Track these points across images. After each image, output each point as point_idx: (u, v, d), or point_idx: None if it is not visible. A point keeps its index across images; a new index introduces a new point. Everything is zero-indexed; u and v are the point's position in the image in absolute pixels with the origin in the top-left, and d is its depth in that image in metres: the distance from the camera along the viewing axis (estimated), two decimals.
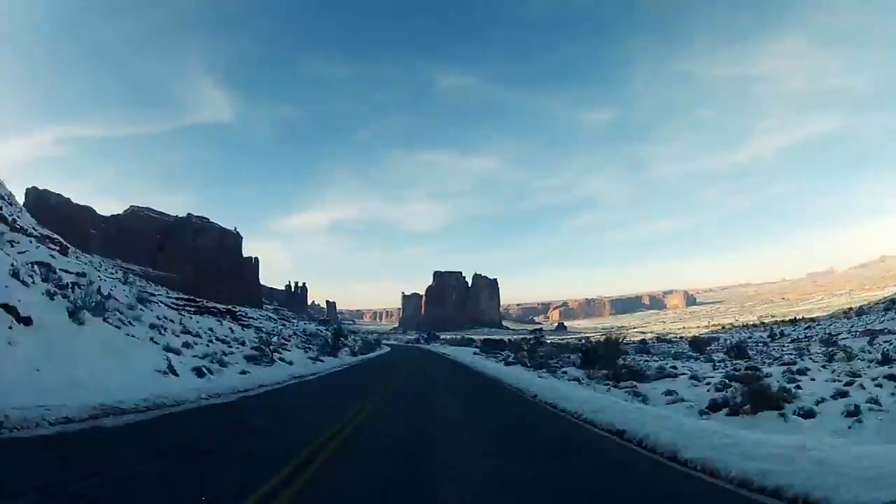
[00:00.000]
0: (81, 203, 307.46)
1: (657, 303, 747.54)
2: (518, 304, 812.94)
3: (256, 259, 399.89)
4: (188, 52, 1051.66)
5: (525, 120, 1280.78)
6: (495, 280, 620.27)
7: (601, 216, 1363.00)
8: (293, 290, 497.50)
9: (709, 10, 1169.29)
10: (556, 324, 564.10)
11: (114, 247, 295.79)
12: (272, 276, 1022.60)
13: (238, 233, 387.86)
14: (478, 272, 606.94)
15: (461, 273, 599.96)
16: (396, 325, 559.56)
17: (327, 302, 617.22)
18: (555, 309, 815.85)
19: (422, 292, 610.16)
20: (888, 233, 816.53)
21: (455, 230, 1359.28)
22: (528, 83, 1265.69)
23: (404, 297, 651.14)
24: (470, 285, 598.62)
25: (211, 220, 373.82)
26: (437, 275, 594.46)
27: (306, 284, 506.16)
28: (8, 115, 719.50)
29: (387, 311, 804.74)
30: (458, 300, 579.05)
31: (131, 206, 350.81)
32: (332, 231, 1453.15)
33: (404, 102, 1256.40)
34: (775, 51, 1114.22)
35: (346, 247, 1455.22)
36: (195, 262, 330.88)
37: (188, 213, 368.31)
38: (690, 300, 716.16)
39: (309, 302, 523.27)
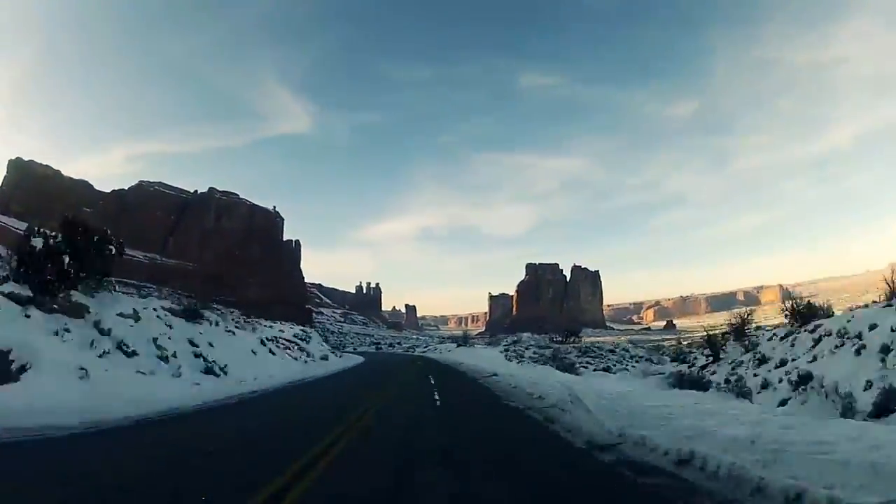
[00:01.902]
0: (77, 177, 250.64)
1: (752, 298, 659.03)
2: (609, 305, 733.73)
3: (297, 243, 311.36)
4: (263, 63, 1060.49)
5: (609, 117, 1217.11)
6: (597, 273, 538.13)
7: (688, 213, 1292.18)
8: (364, 291, 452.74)
9: None
10: (665, 322, 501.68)
11: (113, 229, 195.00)
12: (348, 280, 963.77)
13: (277, 212, 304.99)
14: (577, 264, 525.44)
15: (558, 265, 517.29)
16: (483, 330, 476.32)
17: (406, 306, 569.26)
18: (648, 308, 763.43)
19: (511, 292, 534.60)
20: None
21: (541, 233, 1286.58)
22: (610, 78, 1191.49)
23: (491, 298, 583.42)
24: (569, 279, 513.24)
25: (240, 196, 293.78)
26: (530, 268, 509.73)
27: (380, 286, 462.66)
28: (82, 133, 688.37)
29: (473, 316, 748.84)
30: (555, 297, 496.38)
31: (140, 181, 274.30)
32: (415, 237, 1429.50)
33: (486, 104, 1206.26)
34: (849, 33, 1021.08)
35: (430, 252, 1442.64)
36: (217, 248, 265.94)
37: (210, 188, 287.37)
38: (786, 294, 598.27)
39: (389, 307, 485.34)
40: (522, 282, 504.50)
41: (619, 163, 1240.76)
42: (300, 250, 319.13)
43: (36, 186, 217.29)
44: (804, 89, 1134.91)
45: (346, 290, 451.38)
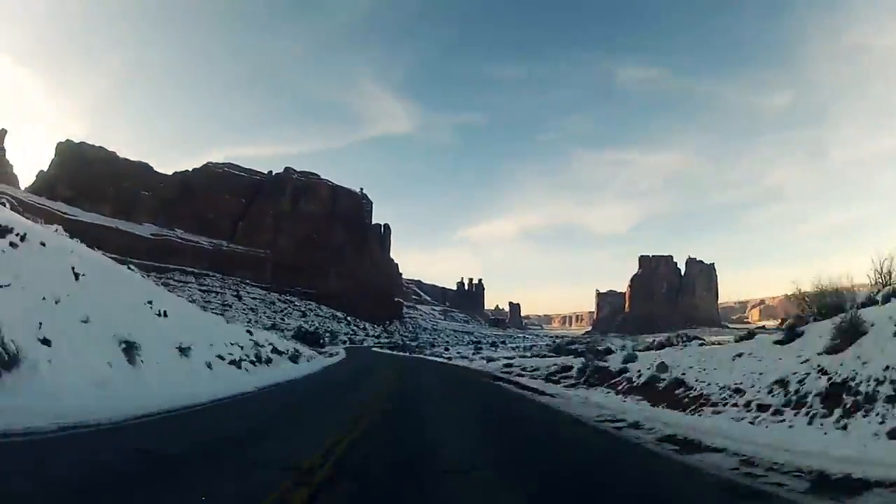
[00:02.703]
0: (135, 159, 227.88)
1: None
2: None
3: (387, 228, 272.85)
4: (361, 65, 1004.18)
5: (706, 110, 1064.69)
6: (712, 266, 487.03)
7: (785, 207, 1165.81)
8: (466, 287, 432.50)
9: None
10: (779, 320, 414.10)
11: (173, 214, 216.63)
12: (449, 279, 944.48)
13: (364, 194, 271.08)
14: (691, 255, 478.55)
15: (671, 257, 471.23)
16: (589, 329, 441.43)
17: (510, 304, 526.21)
18: (753, 308, 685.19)
19: (617, 289, 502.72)
20: None
21: (642, 230, 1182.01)
22: (705, 70, 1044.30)
23: (598, 295, 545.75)
24: (683, 273, 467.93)
25: (321, 177, 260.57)
26: (644, 260, 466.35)
27: (483, 282, 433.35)
28: (183, 140, 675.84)
29: (577, 315, 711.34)
30: (668, 292, 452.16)
31: (207, 163, 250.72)
32: (517, 236, 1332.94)
33: (584, 100, 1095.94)
34: None
35: (532, 251, 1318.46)
36: (293, 234, 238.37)
37: (286, 168, 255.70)
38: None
39: (491, 306, 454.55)
40: (635, 276, 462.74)
41: (718, 157, 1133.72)
42: (390, 236, 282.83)
43: (86, 169, 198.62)
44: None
45: (448, 287, 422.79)
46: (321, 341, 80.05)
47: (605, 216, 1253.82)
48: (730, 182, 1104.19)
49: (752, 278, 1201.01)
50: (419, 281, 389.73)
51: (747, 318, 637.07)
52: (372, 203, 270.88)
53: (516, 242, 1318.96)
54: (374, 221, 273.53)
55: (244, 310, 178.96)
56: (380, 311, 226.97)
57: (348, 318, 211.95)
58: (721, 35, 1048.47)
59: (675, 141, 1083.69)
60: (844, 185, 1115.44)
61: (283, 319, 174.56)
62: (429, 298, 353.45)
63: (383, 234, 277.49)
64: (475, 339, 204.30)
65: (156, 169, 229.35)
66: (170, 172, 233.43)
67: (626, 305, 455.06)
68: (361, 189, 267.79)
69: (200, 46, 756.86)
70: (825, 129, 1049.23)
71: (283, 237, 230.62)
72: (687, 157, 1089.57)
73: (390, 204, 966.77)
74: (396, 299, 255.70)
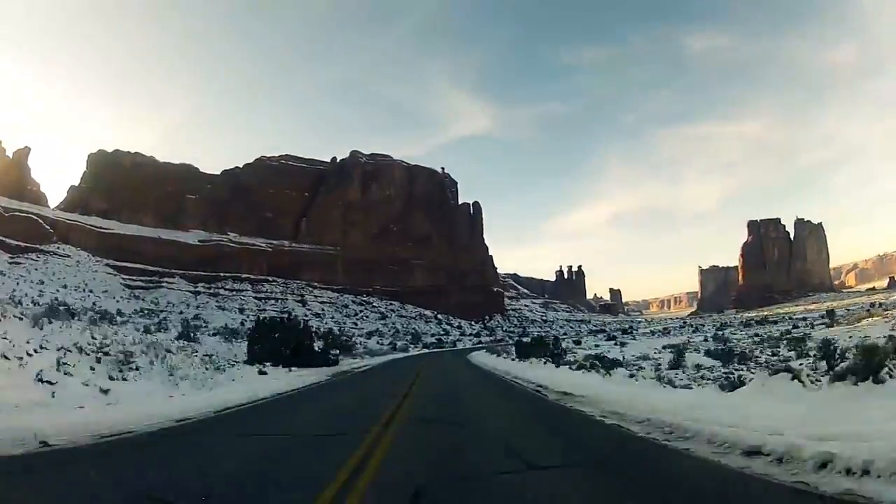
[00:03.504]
0: (177, 161, 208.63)
1: None
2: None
3: (476, 206, 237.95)
4: (434, 69, 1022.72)
5: (778, 72, 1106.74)
6: (821, 226, 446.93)
7: (865, 166, 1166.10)
8: (566, 276, 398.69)
9: None
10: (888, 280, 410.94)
11: (224, 217, 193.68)
12: (545, 273, 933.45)
13: (446, 174, 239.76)
14: (799, 216, 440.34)
15: (779, 220, 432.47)
16: (694, 310, 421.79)
17: (610, 290, 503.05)
18: (848, 273, 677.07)
19: (723, 264, 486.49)
20: None
21: (731, 203, 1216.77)
22: (772, 31, 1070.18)
23: (701, 272, 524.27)
24: (793, 236, 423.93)
25: (393, 158, 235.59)
26: (752, 226, 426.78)
27: (582, 268, 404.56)
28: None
29: (675, 298, 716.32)
30: (780, 258, 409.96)
31: (260, 157, 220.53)
32: (608, 222, 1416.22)
33: (660, 76, 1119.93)
34: None
35: (624, 236, 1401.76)
36: (366, 226, 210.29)
37: (353, 152, 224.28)
38: None
39: (590, 295, 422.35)
40: (745, 244, 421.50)
41: (794, 119, 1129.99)
42: (481, 216, 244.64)
43: (123, 178, 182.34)
44: None
45: (546, 279, 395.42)
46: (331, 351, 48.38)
47: (692, 193, 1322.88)
48: (809, 144, 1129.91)
49: (840, 242, 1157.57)
50: (515, 275, 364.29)
51: (844, 282, 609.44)
52: (456, 183, 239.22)
53: (606, 228, 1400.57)
54: (460, 202, 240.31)
55: (306, 316, 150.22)
56: (476, 304, 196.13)
57: (439, 315, 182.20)
58: None
59: (752, 108, 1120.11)
60: None
61: (357, 324, 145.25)
62: (527, 292, 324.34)
63: (473, 214, 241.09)
64: (596, 329, 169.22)
65: (201, 170, 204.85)
66: (217, 172, 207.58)
67: (740, 277, 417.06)
68: (443, 168, 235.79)
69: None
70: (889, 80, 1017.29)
71: (355, 231, 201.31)
72: (764, 123, 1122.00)
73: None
74: (496, 289, 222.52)
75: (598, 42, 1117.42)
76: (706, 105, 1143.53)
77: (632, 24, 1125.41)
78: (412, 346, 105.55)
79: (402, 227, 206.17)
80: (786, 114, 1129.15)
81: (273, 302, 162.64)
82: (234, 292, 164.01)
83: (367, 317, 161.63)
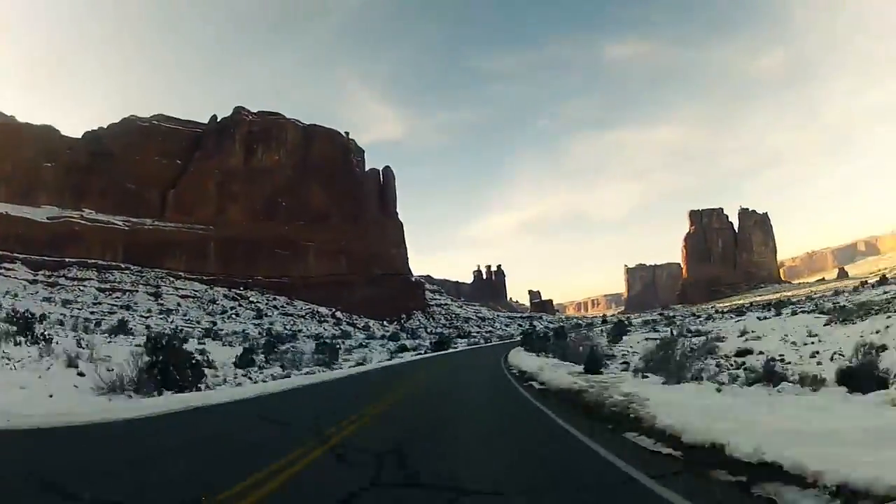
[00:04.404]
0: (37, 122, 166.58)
1: (872, 248, 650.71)
2: None
3: (388, 172, 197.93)
4: (347, 72, 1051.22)
5: (700, 79, 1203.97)
6: (766, 215, 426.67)
7: (789, 169, 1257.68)
8: (484, 276, 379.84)
9: None
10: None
11: (82, 188, 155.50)
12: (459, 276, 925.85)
13: (351, 139, 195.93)
14: (743, 205, 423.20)
15: (722, 210, 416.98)
16: (621, 310, 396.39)
17: (530, 292, 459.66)
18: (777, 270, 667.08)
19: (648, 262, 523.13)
20: None
21: (648, 209, 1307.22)
22: (696, 39, 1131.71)
23: (628, 271, 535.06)
24: (738, 226, 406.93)
25: (286, 116, 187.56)
26: (694, 216, 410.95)
27: (502, 268, 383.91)
28: None
29: (592, 301, 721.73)
30: (725, 251, 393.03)
31: (129, 116, 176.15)
32: (523, 228, 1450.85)
33: (579, 83, 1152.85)
34: None
35: (538, 241, 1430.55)
36: (249, 200, 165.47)
37: (236, 108, 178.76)
38: None
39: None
40: (688, 234, 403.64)
41: (716, 126, 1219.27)
42: (394, 185, 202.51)
43: None
44: (877, 24, 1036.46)
45: (461, 281, 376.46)
46: None
47: (607, 198, 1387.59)
48: (731, 149, 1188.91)
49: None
50: (429, 276, 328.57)
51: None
52: (363, 151, 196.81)
53: (520, 233, 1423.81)
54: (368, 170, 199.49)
55: (160, 312, 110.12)
56: (390, 299, 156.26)
57: (338, 313, 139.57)
58: (704, 2, 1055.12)
59: (672, 114, 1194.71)
60: (845, 139, 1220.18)
61: (216, 324, 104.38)
62: (442, 295, 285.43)
63: (384, 184, 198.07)
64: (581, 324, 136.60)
65: (63, 133, 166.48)
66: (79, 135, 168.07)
67: (684, 271, 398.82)
68: (347, 134, 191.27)
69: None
70: (818, 86, 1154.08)
71: (234, 206, 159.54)
72: (685, 129, 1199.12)
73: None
74: (414, 279, 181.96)
75: (516, 47, 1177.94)
76: (624, 111, 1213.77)
77: (552, 30, 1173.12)
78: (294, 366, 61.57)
79: (294, 201, 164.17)
80: (707, 120, 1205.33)
81: (118, 295, 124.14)
82: (76, 282, 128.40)
83: (237, 315, 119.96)
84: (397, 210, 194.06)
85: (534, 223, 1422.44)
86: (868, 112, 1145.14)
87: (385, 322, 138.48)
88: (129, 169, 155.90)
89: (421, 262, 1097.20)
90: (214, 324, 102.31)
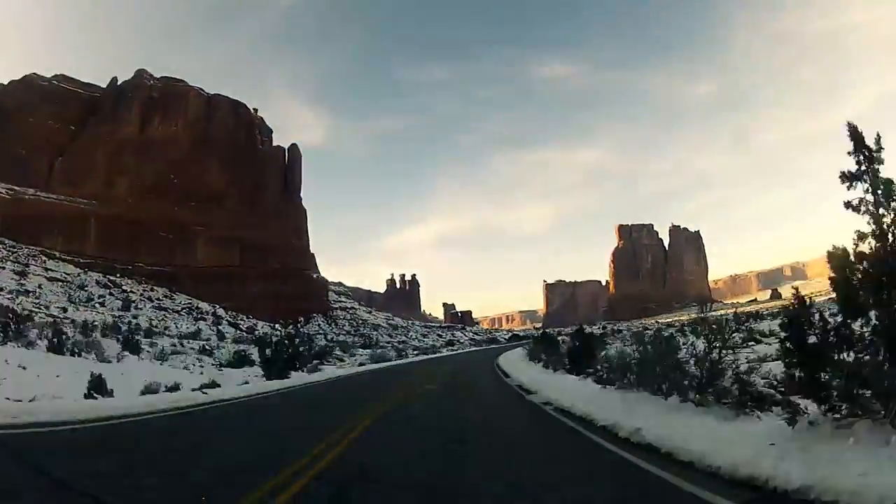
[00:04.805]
0: None
1: (799, 273, 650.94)
2: None
3: (294, 152, 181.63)
4: (274, 74, 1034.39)
5: (630, 102, 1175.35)
6: (698, 233, 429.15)
7: (718, 193, 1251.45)
8: (398, 286, 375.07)
9: None
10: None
11: None
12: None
13: (260, 117, 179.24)
14: (674, 223, 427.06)
15: (653, 226, 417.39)
16: (539, 325, 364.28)
17: (444, 304, 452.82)
18: None
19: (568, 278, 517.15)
20: None
21: (568, 228, 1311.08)
22: (629, 62, 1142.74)
23: (548, 287, 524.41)
24: (668, 244, 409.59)
25: (189, 83, 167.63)
26: (623, 230, 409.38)
27: (416, 277, 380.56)
28: None
29: (507, 316, 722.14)
30: (655, 267, 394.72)
31: (29, 75, 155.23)
32: (441, 242, 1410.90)
33: (506, 99, 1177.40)
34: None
35: (456, 255, 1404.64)
36: (139, 174, 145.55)
37: (139, 71, 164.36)
38: None
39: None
40: (616, 249, 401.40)
41: (643, 149, 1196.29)
42: (300, 166, 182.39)
43: None
44: (822, 58, 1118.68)
45: (374, 290, 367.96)
46: None
47: (527, 215, 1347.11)
48: (657, 173, 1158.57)
49: None
50: (341, 283, 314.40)
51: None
52: (271, 131, 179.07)
53: (438, 247, 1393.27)
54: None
55: (10, 293, 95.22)
56: (287, 297, 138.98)
57: (220, 311, 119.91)
58: (646, 25, 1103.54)
59: (599, 136, 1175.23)
60: (775, 166, 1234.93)
61: (65, 310, 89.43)
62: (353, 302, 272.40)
63: (289, 164, 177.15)
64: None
65: None
66: None
67: (611, 287, 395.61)
68: (256, 110, 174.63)
69: None
70: (751, 114, 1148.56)
71: (123, 180, 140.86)
72: (611, 151, 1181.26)
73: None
74: (317, 276, 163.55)
75: (443, 60, 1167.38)
76: (549, 130, 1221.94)
77: (483, 45, 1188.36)
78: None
79: (188, 179, 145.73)
80: (635, 142, 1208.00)
81: None
82: None
83: (102, 304, 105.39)
84: (301, 196, 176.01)
85: (452, 237, 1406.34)
86: (800, 142, 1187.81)
87: (277, 324, 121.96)
88: (21, 131, 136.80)
89: (337, 271, 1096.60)
90: (64, 310, 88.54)
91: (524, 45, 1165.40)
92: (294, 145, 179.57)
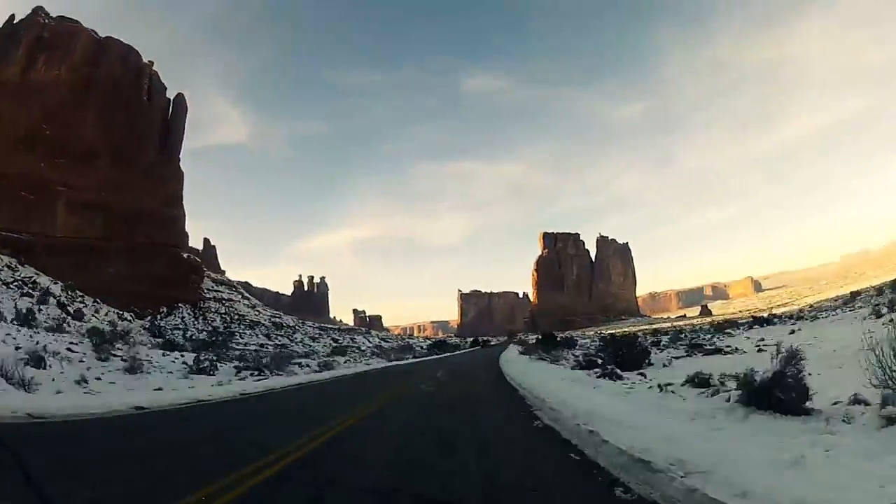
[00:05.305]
0: None
1: (720, 292, 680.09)
2: None
3: (179, 103, 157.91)
4: (203, 68, 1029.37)
5: (557, 120, 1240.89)
6: (627, 245, 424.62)
7: (643, 212, 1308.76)
8: (306, 288, 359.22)
9: None
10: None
11: None
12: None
13: (154, 70, 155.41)
14: (603, 232, 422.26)
15: (579, 235, 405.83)
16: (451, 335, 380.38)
17: (354, 311, 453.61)
18: None
19: (484, 289, 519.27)
20: None
21: (485, 240, 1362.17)
22: (560, 80, 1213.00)
23: (462, 297, 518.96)
24: (595, 255, 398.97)
25: (84, 25, 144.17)
26: (548, 239, 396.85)
27: (326, 280, 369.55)
28: None
29: (419, 326, 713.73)
30: (580, 278, 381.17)
31: None
32: (356, 248, 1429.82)
33: (433, 109, 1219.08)
34: (806, 32, 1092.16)
35: (371, 265, 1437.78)
36: (13, 124, 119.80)
37: (36, 7, 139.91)
38: (757, 286, 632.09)
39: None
40: (540, 258, 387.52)
41: (568, 166, 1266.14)
42: (184, 120, 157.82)
43: None
44: (758, 88, 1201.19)
45: (282, 293, 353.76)
46: None
47: (444, 227, 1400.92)
48: (579, 190, 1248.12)
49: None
50: (247, 283, 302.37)
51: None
52: (166, 88, 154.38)
53: (352, 253, 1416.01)
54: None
55: None
56: (150, 279, 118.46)
57: (60, 292, 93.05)
58: (580, 46, 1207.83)
59: (523, 151, 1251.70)
60: (702, 188, 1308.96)
61: None
62: (258, 303, 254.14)
63: (173, 117, 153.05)
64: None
65: None
66: None
67: (533, 296, 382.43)
68: (152, 63, 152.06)
69: None
70: (680, 138, 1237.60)
71: None
72: (534, 166, 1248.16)
73: (220, 218, 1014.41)
74: (188, 257, 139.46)
75: (375, 65, 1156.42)
76: (473, 142, 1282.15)
77: (413, 54, 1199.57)
78: None
79: (62, 131, 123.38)
80: (559, 159, 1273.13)
81: None
82: None
83: None
84: (180, 156, 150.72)
85: (369, 244, 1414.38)
86: (727, 167, 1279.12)
87: (132, 313, 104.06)
88: None
89: (249, 273, 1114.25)
90: None
91: (456, 55, 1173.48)
92: (180, 95, 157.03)
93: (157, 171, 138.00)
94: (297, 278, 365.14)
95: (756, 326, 57.33)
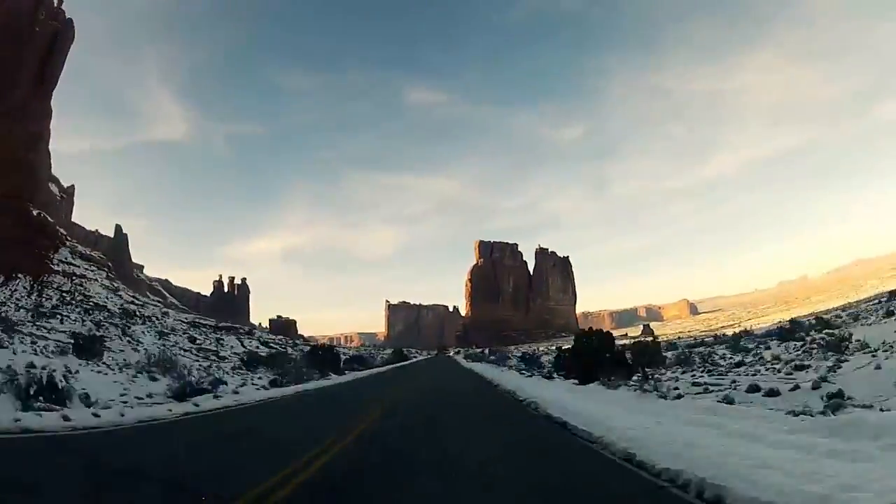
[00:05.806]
0: None
1: (654, 314, 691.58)
2: None
3: (67, 27, 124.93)
4: (146, 58, 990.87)
5: (495, 137, 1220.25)
6: (567, 259, 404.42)
7: (571, 234, 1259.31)
8: (225, 289, 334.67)
9: (688, 25, 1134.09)
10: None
11: None
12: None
13: (60, 7, 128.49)
14: (542, 245, 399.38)
15: (517, 246, 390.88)
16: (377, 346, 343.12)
17: (278, 317, 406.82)
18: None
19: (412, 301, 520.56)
20: (860, 238, 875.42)
21: (416, 254, 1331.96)
22: (500, 98, 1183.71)
23: (390, 307, 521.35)
24: (533, 268, 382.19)
25: None
26: (483, 248, 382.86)
27: (247, 282, 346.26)
28: None
29: (346, 336, 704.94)
30: (517, 291, 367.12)
31: None
32: (283, 255, 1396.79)
33: (371, 119, 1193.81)
34: (751, 65, 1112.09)
35: (299, 273, 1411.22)
36: None
37: None
38: (693, 309, 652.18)
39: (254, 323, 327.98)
40: (475, 267, 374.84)
41: (503, 184, 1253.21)
42: (68, 49, 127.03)
43: None
44: (699, 117, 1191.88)
45: (204, 294, 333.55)
46: None
47: (374, 238, 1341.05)
48: (516, 208, 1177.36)
49: None
50: (167, 281, 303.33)
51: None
52: (73, 27, 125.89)
53: (282, 261, 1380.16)
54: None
55: None
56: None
57: None
58: (523, 65, 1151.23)
59: (458, 167, 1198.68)
60: (635, 213, 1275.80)
61: None
62: (177, 303, 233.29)
63: (55, 48, 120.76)
64: None
65: None
66: None
67: (466, 308, 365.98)
68: (61, 1, 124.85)
69: None
70: (617, 162, 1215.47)
71: None
72: (469, 183, 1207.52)
73: (146, 217, 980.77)
74: (39, 215, 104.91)
75: (317, 69, 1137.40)
76: (409, 155, 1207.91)
77: (356, 60, 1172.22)
78: None
79: None
80: (494, 176, 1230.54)
81: None
82: None
83: None
84: (53, 92, 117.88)
85: (298, 252, 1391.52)
86: (662, 193, 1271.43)
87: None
88: None
89: (182, 275, 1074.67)
90: None
91: (398, 65, 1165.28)
92: (69, 21, 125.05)
93: (29, 108, 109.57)
94: (218, 279, 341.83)
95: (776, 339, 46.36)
